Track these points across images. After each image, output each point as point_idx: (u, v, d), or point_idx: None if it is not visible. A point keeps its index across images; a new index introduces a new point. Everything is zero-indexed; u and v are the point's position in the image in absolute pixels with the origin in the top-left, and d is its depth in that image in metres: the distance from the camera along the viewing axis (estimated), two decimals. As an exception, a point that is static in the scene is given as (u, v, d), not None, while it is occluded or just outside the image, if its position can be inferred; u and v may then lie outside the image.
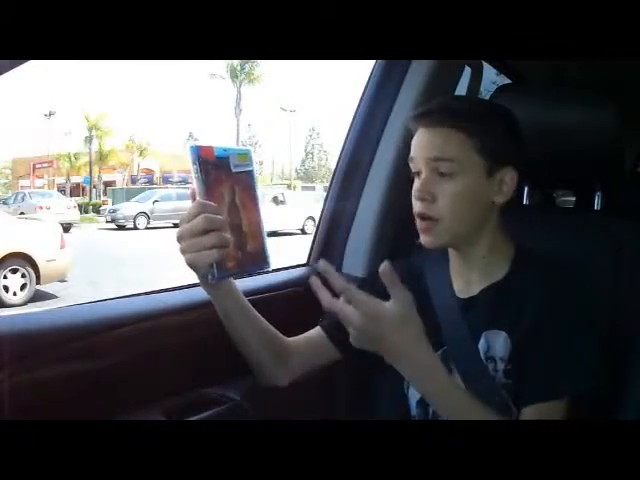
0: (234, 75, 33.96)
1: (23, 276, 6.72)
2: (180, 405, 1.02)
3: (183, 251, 0.93)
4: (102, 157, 32.39)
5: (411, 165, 1.04)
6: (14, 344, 0.85)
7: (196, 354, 1.09)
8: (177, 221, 0.96)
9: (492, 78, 2.04)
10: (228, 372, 1.10)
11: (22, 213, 15.74)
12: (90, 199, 29.17)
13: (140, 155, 34.21)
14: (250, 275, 1.27)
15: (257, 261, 0.99)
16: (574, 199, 2.28)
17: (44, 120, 35.72)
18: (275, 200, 17.27)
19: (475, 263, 1.06)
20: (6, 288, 6.69)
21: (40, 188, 29.31)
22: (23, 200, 18.79)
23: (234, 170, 0.96)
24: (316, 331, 1.14)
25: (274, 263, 1.05)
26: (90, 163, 32.31)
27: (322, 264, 0.90)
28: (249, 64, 33.58)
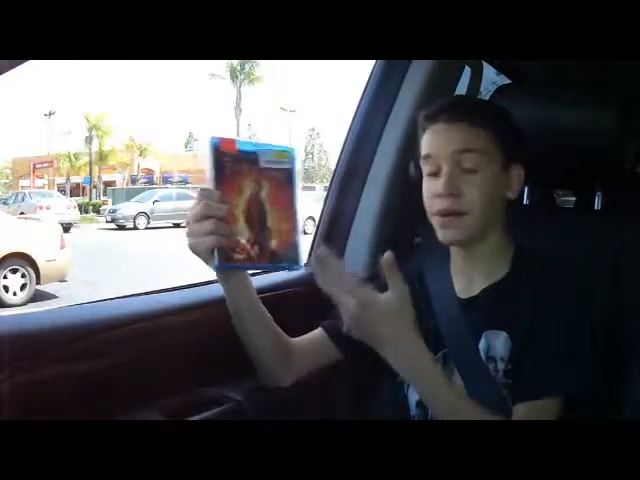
0: (234, 75, 33.95)
1: (23, 276, 6.73)
2: (180, 405, 1.02)
3: (187, 235, 0.94)
4: (102, 157, 32.37)
5: (426, 163, 1.03)
6: (14, 344, 0.85)
7: (196, 354, 1.08)
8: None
9: (492, 78, 2.04)
10: (228, 372, 1.10)
11: (22, 213, 15.75)
12: (90, 199, 29.16)
13: (140, 155, 34.17)
14: (267, 272, 1.27)
15: (279, 260, 0.97)
16: (574, 199, 2.29)
17: (44, 120, 35.76)
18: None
19: (479, 262, 1.06)
20: (6, 288, 6.70)
21: (40, 188, 29.30)
22: (23, 200, 18.80)
23: (264, 166, 0.95)
24: (318, 332, 1.14)
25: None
26: (90, 163, 32.30)
27: (322, 250, 0.92)
28: (249, 64, 33.56)
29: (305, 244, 1.03)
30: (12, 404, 0.80)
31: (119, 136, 33.23)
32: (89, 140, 32.39)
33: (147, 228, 17.77)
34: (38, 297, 6.81)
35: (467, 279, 1.07)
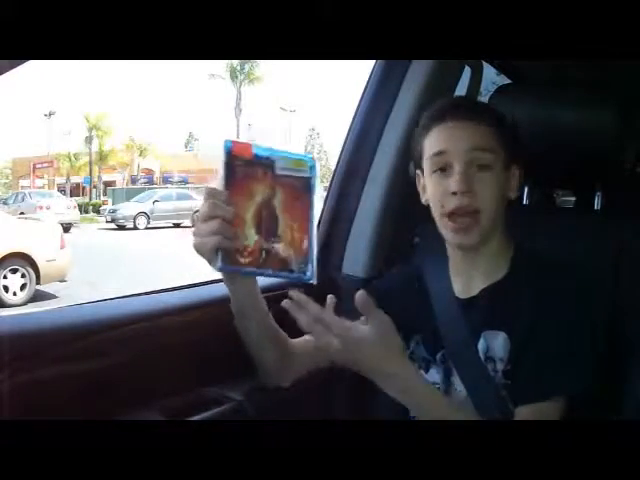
0: (234, 75, 33.92)
1: (23, 276, 6.73)
2: (180, 405, 1.02)
3: (192, 234, 0.94)
4: (102, 157, 32.35)
5: (438, 160, 1.02)
6: (14, 344, 0.85)
7: (196, 354, 1.08)
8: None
9: (492, 78, 2.04)
10: (228, 372, 1.10)
11: (22, 213, 15.75)
12: (90, 199, 29.15)
13: (140, 155, 34.17)
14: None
15: (286, 269, 0.95)
16: (574, 199, 2.28)
17: (44, 120, 35.74)
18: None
19: (478, 262, 1.06)
20: (6, 288, 6.71)
21: (40, 188, 29.29)
22: (23, 200, 18.80)
23: (280, 172, 0.94)
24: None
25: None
26: (90, 163, 32.28)
27: (295, 294, 0.92)
28: (249, 64, 33.53)
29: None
30: (12, 404, 0.80)
31: (119, 136, 33.25)
32: (89, 140, 32.38)
33: (147, 228, 17.76)
34: (38, 297, 6.81)
35: (466, 279, 1.07)
